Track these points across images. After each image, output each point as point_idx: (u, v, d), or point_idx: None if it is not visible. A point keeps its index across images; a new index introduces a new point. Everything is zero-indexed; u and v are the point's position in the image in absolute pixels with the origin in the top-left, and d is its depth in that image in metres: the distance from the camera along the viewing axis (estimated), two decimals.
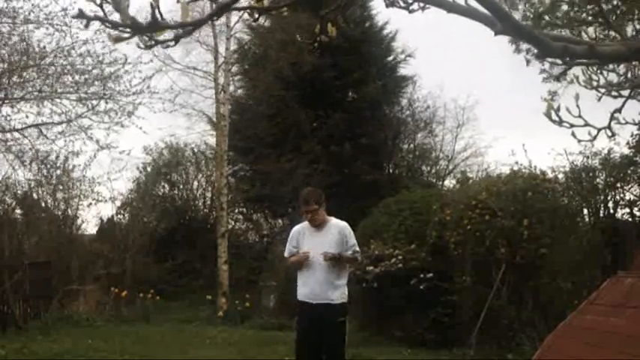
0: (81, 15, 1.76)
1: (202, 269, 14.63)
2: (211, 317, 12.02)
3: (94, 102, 11.00)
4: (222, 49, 13.83)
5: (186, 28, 1.82)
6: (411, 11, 2.35)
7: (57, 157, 11.93)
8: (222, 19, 12.72)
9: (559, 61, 2.65)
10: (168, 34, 1.87)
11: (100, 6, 1.68)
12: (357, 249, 5.20)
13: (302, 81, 14.62)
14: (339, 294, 5.00)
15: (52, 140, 11.02)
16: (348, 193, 13.61)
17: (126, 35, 1.73)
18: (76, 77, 10.75)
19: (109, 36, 1.80)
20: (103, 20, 1.71)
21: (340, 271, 5.07)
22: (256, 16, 2.19)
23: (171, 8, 2.63)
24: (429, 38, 21.54)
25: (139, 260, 13.48)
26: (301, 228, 5.21)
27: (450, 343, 8.09)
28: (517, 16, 9.34)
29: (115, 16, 1.73)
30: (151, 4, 1.61)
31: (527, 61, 9.49)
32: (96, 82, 10.91)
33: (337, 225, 5.12)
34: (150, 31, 1.72)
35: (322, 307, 4.95)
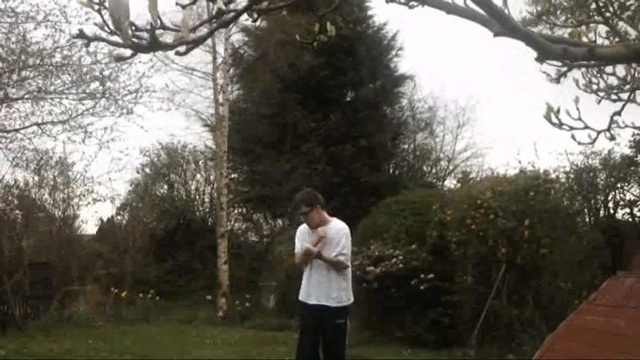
0: (81, 35, 1.75)
1: (202, 269, 14.65)
2: (211, 317, 12.02)
3: (93, 101, 10.96)
4: (220, 50, 13.81)
5: (188, 46, 1.81)
6: (411, 7, 2.33)
7: (51, 157, 11.91)
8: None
9: (558, 63, 2.64)
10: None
11: (99, 12, 1.66)
12: (345, 252, 5.04)
13: (300, 82, 14.59)
14: (340, 295, 4.97)
15: (53, 137, 10.97)
16: (349, 193, 13.59)
17: (127, 54, 1.72)
18: (75, 76, 10.71)
19: (110, 55, 1.80)
20: (104, 40, 1.70)
21: (342, 272, 5.04)
22: (255, 17, 2.17)
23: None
24: (430, 38, 21.56)
25: (139, 260, 13.48)
26: (304, 228, 5.22)
27: (450, 343, 8.08)
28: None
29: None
30: (151, 24, 1.59)
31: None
32: (95, 82, 10.87)
33: (336, 226, 5.12)
34: (151, 50, 1.71)
35: (321, 309, 4.94)
